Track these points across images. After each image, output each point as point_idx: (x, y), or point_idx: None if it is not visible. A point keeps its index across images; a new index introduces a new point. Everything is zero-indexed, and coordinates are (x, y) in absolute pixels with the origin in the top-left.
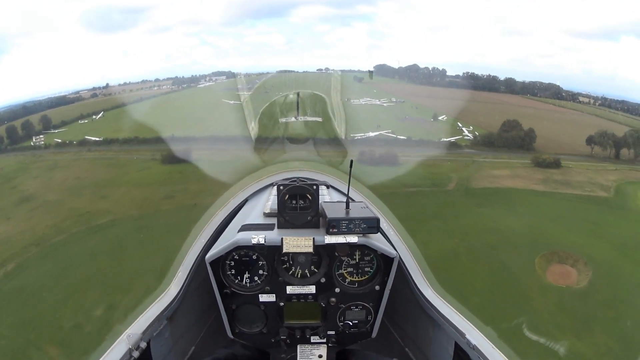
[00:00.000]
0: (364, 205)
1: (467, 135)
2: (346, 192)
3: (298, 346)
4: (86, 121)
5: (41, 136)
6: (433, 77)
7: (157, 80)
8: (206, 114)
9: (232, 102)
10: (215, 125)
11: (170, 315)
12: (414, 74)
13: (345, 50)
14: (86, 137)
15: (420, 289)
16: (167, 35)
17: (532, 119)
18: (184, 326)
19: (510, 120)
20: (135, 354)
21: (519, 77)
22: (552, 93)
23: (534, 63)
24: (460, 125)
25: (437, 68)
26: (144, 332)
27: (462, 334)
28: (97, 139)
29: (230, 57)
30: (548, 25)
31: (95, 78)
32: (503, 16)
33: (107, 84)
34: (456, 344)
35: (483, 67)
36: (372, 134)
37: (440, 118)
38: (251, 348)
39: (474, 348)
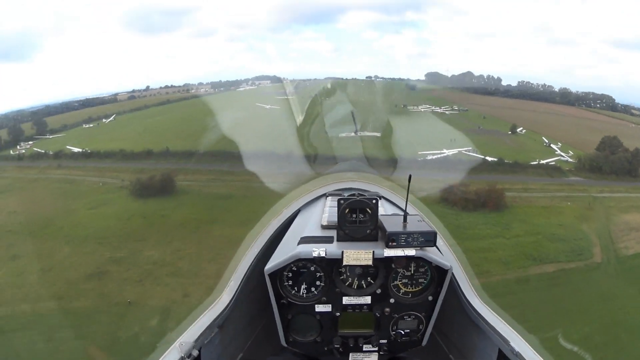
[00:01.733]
0: (420, 219)
1: (562, 156)
2: (402, 206)
3: (350, 354)
4: (91, 125)
5: (30, 142)
6: (488, 86)
7: (200, 84)
8: (231, 119)
9: (268, 106)
10: (235, 134)
11: (221, 323)
12: (468, 82)
13: (394, 58)
14: (68, 146)
15: (468, 298)
16: (212, 39)
17: (628, 138)
18: (234, 334)
19: (609, 138)
20: None
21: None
22: (606, 104)
23: (575, 74)
24: (547, 141)
25: (492, 76)
26: (196, 340)
27: (507, 341)
28: (78, 150)
29: (276, 62)
30: (591, 35)
31: (137, 80)
32: (547, 26)
33: (148, 87)
34: (500, 351)
35: (524, 77)
36: (448, 152)
37: (519, 131)
38: (302, 356)
39: (517, 355)
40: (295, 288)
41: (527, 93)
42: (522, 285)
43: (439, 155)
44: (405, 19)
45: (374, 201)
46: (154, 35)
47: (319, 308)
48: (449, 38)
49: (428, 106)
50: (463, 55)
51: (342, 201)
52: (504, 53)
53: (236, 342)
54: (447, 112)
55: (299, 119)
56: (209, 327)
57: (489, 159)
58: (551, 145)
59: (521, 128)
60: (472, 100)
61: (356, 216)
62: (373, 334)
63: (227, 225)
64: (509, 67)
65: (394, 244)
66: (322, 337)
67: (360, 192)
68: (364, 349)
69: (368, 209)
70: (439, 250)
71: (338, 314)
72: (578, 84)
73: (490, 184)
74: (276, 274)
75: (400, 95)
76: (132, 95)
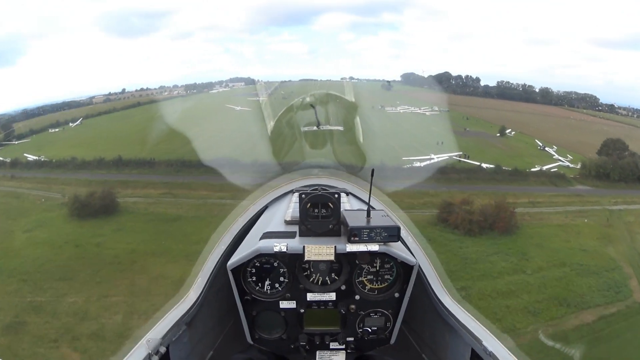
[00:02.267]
0: (385, 214)
1: (561, 160)
2: (366, 200)
3: (317, 352)
4: (57, 130)
5: None
6: (466, 86)
7: (175, 86)
8: (197, 121)
9: (237, 107)
10: (200, 139)
11: (189, 320)
12: (445, 82)
13: (370, 60)
14: (25, 154)
15: (438, 295)
16: (188, 42)
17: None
18: (202, 331)
19: (613, 141)
20: (155, 358)
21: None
22: (589, 104)
23: (555, 73)
24: (541, 144)
25: (471, 76)
26: (164, 337)
27: (479, 341)
28: (33, 157)
29: (252, 64)
30: (573, 34)
31: (113, 83)
32: (527, 25)
33: (124, 89)
34: (473, 351)
35: (503, 76)
36: (437, 158)
37: (508, 132)
38: (269, 354)
39: (491, 355)
40: (259, 284)
41: (507, 93)
42: (561, 342)
43: (427, 162)
44: (381, 20)
45: (335, 196)
46: (132, 38)
47: (284, 304)
48: (426, 39)
49: (406, 107)
50: (440, 56)
51: (303, 196)
52: (482, 53)
53: (205, 339)
54: (427, 112)
55: (269, 122)
56: (177, 325)
57: (485, 165)
58: (546, 148)
59: (509, 130)
60: (451, 100)
61: (318, 211)
62: (339, 331)
63: (168, 259)
64: (488, 68)
65: (357, 239)
66: (287, 334)
67: (324, 188)
68: (331, 347)
69: (330, 204)
70: (406, 246)
71: (303, 310)
72: (559, 83)
73: (497, 199)
74: (239, 270)
75: (376, 96)
76: (108, 99)
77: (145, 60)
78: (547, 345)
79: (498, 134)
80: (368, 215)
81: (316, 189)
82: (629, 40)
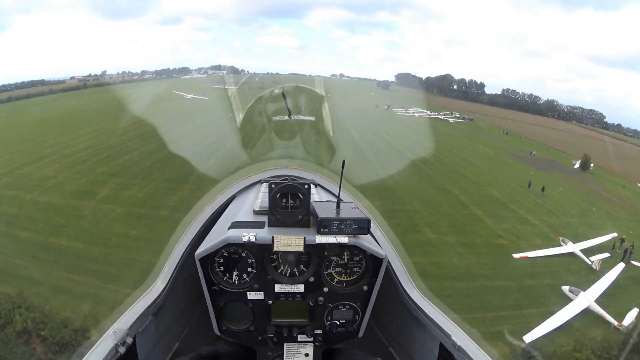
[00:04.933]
0: (355, 206)
1: None
2: (335, 192)
3: (285, 344)
4: None
5: None
6: (469, 91)
7: (144, 71)
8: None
9: (189, 95)
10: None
11: (156, 310)
12: (447, 86)
13: (361, 58)
14: None
15: (407, 290)
16: (177, 28)
17: None
18: (170, 322)
19: None
20: (122, 349)
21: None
22: (595, 120)
23: (546, 86)
24: None
25: (475, 81)
26: (130, 328)
27: (448, 335)
28: None
29: (240, 56)
30: (569, 49)
31: (102, 65)
32: (524, 37)
33: (105, 72)
34: (441, 345)
35: (495, 86)
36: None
37: (591, 166)
38: (237, 345)
39: (460, 349)
40: (227, 274)
41: (513, 102)
42: None
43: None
44: (376, 19)
45: (305, 186)
46: (119, 20)
47: (251, 295)
48: (421, 41)
49: (421, 110)
50: (433, 60)
51: (273, 186)
52: (474, 60)
53: (172, 330)
54: (449, 119)
55: (237, 112)
56: (143, 315)
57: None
58: None
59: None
60: (453, 105)
61: (287, 201)
62: (307, 323)
63: None
64: (479, 75)
65: (326, 230)
66: (255, 325)
67: (294, 178)
68: (299, 339)
69: (300, 194)
70: (375, 239)
71: (271, 302)
72: (549, 95)
73: None
74: (207, 259)
75: (376, 95)
76: (85, 80)
77: (132, 44)
78: None
79: (577, 166)
80: (338, 207)
81: (285, 179)
82: (622, 59)
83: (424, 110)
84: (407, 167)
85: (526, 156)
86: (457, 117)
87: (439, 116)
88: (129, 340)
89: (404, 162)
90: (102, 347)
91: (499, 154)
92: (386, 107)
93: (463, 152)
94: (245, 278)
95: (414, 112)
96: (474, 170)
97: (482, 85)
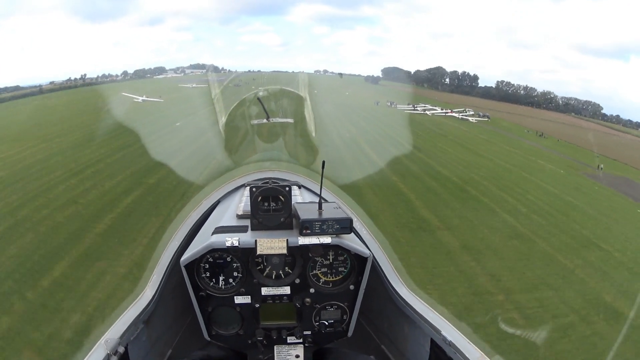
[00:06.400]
0: (337, 206)
1: None
2: (318, 193)
3: (275, 347)
4: None
5: None
6: (461, 85)
7: (117, 75)
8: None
9: (140, 98)
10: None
11: (146, 318)
12: (439, 78)
13: (344, 54)
14: None
15: (395, 287)
16: (159, 28)
17: None
18: (161, 329)
19: None
20: (114, 359)
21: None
22: (592, 112)
23: (531, 78)
24: None
25: (468, 73)
26: (122, 337)
27: (438, 331)
28: None
29: (223, 54)
30: (557, 40)
31: (76, 68)
32: (510, 27)
33: (84, 75)
34: (432, 341)
35: (485, 78)
36: None
37: None
38: (228, 350)
39: (450, 344)
40: (213, 280)
41: (507, 94)
42: None
43: None
44: (360, 13)
45: (287, 189)
46: (99, 22)
47: (238, 300)
48: (406, 34)
49: (430, 107)
50: (420, 53)
51: (254, 189)
52: (461, 52)
53: (163, 337)
54: (468, 117)
55: (222, 116)
56: (134, 323)
57: None
58: None
59: None
60: (446, 99)
61: (269, 204)
62: (296, 325)
63: None
64: (466, 67)
65: (308, 231)
66: (244, 329)
67: (275, 181)
68: (289, 341)
69: (281, 197)
70: (360, 238)
71: (258, 305)
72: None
73: None
74: (192, 265)
75: (368, 91)
76: (63, 85)
77: (110, 46)
78: None
79: None
80: (320, 207)
81: (267, 182)
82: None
83: (434, 107)
84: (471, 210)
85: (595, 172)
86: (475, 116)
87: (454, 114)
88: (121, 349)
89: (463, 204)
90: (94, 358)
91: (570, 174)
92: (389, 104)
93: (529, 172)
94: (231, 283)
95: (424, 110)
96: (574, 215)
97: (475, 78)
